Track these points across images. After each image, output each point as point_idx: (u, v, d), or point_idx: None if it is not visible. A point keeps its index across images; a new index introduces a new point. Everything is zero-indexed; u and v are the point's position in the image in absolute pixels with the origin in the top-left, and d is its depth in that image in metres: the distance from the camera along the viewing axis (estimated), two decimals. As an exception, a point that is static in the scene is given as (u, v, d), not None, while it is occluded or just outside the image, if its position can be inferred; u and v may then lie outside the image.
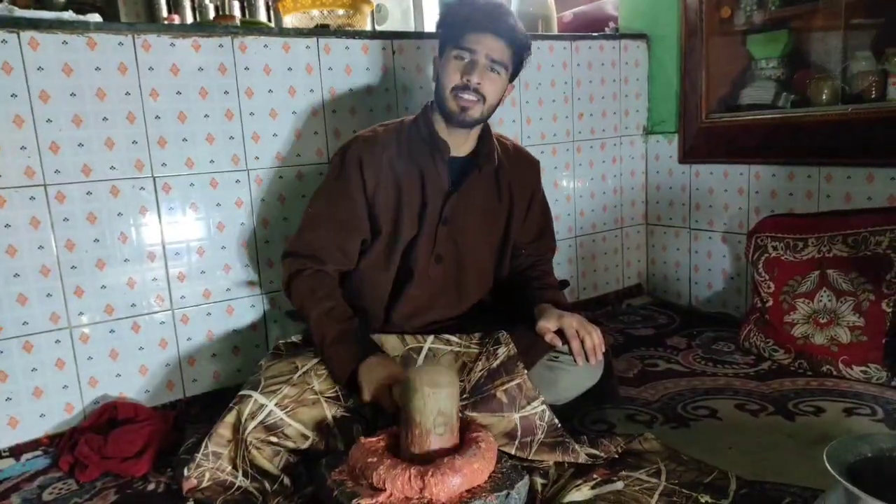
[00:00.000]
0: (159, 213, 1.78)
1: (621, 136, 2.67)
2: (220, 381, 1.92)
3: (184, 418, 1.81)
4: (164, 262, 1.81)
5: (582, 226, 2.62)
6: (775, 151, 2.28)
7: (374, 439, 1.31)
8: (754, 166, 2.36)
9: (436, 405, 1.24)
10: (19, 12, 1.61)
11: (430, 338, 1.60)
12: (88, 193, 1.67)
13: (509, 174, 1.71)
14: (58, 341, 1.68)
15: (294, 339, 1.67)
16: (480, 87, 1.52)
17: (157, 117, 1.73)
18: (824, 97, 2.22)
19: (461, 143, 1.64)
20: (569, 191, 2.56)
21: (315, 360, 1.51)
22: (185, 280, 1.84)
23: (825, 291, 1.96)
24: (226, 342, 1.92)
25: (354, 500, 1.16)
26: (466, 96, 1.52)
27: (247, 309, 1.94)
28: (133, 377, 1.79)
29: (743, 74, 2.51)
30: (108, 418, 1.69)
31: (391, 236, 1.61)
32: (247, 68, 1.83)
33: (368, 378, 1.44)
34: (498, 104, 1.61)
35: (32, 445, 1.67)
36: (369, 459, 1.23)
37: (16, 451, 1.65)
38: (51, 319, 1.66)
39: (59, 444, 1.66)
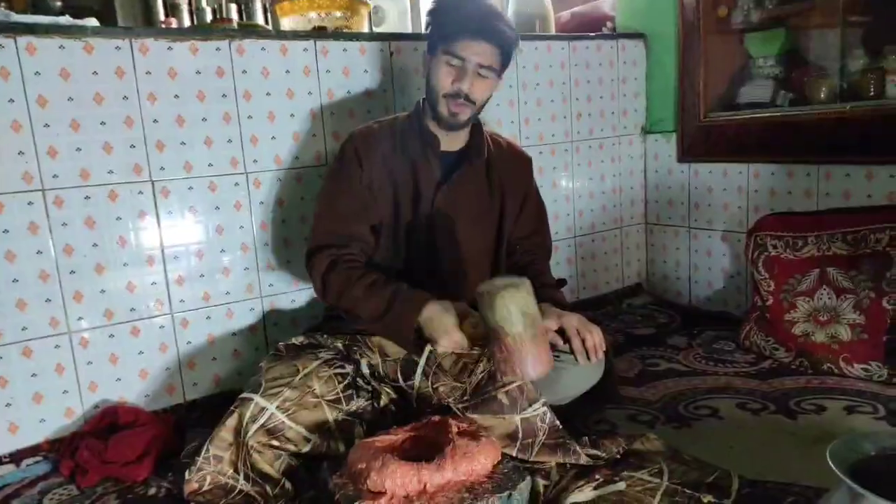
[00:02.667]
0: (158, 216, 1.78)
1: (620, 136, 2.67)
2: (220, 385, 1.91)
3: (184, 422, 1.80)
4: (164, 266, 1.80)
5: (581, 226, 2.62)
6: (774, 150, 2.28)
7: (372, 440, 1.31)
8: (753, 165, 2.36)
9: (519, 306, 1.21)
10: (16, 17, 1.61)
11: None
12: (86, 198, 1.67)
13: (501, 170, 1.74)
14: (57, 346, 1.68)
15: (294, 341, 1.66)
16: (471, 94, 1.57)
17: (155, 121, 1.73)
18: (822, 95, 2.22)
19: (453, 139, 1.68)
20: (568, 191, 2.56)
21: (317, 363, 1.51)
22: (185, 283, 1.83)
23: (825, 289, 1.96)
24: (226, 345, 1.92)
25: None
26: (458, 102, 1.58)
27: (246, 312, 1.94)
28: (133, 381, 1.79)
29: (741, 73, 2.51)
30: (109, 423, 1.68)
31: (391, 227, 1.66)
32: (244, 71, 1.83)
33: (438, 327, 1.44)
34: (486, 102, 1.66)
35: (32, 451, 1.66)
36: (367, 462, 1.23)
37: (16, 457, 1.64)
38: (50, 324, 1.66)
39: (60, 449, 1.65)
